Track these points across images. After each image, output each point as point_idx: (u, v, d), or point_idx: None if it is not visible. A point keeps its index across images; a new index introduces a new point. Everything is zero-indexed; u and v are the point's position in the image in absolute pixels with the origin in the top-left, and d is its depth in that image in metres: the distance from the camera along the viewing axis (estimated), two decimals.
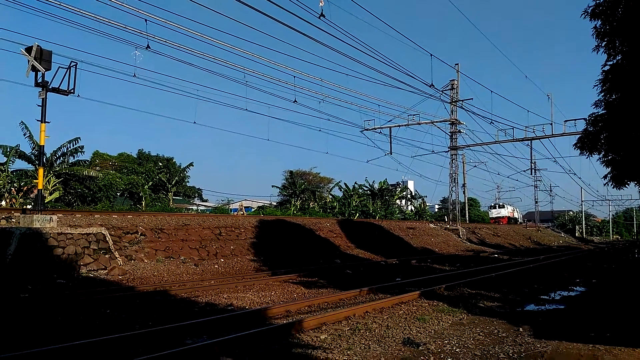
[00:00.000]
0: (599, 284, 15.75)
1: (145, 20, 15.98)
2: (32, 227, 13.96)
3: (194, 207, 52.21)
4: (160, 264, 16.32)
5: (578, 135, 18.34)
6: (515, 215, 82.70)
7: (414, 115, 38.22)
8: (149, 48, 16.92)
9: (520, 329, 8.35)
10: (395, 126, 38.96)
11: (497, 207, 73.58)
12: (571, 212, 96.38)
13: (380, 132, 39.05)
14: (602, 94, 14.96)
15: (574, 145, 17.37)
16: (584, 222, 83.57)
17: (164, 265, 16.28)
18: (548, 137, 37.92)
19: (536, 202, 75.59)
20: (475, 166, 59.18)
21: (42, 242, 13.71)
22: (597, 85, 15.01)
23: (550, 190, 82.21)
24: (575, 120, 35.19)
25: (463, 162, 63.97)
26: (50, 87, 15.23)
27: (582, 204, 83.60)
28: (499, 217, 70.87)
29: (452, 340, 7.64)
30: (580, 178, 64.61)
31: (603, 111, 15.43)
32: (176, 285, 13.46)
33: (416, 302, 11.16)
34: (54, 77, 15.38)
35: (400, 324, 8.68)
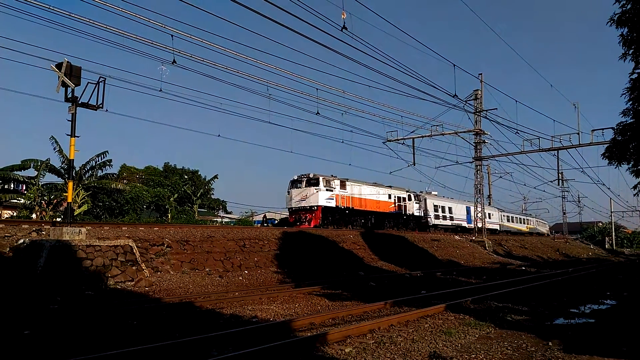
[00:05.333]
0: (630, 297, 15.33)
1: (172, 35, 16.37)
2: (62, 239, 14.25)
3: (219, 219, 52.65)
4: (186, 276, 16.48)
5: (606, 145, 17.97)
6: (536, 226, 72.90)
7: (437, 125, 38.00)
8: (175, 63, 17.28)
9: (550, 343, 8.17)
10: (418, 137, 38.82)
11: (302, 184, 31.71)
12: (600, 224, 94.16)
13: (403, 143, 38.93)
14: (631, 102, 14.68)
15: (602, 155, 17.06)
16: (613, 233, 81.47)
17: (189, 277, 16.43)
18: (575, 147, 37.31)
19: (564, 214, 74.19)
20: (500, 177, 58.55)
21: (71, 254, 13.99)
22: (625, 94, 14.76)
23: (579, 201, 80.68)
24: (602, 129, 34.65)
25: (488, 173, 63.18)
26: (79, 102, 15.58)
27: (611, 215, 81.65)
28: (302, 208, 31.54)
29: (479, 354, 7.52)
30: (609, 188, 62.86)
31: (632, 120, 15.13)
32: (201, 296, 13.57)
33: (442, 315, 11.02)
34: (83, 92, 15.73)
35: (426, 338, 8.58)
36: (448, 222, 47.25)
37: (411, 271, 23.72)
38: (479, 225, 43.20)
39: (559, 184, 52.96)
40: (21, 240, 14.61)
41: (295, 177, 32.45)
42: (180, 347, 7.41)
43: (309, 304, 12.88)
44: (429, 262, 28.66)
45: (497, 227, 57.24)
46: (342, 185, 32.96)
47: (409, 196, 40.99)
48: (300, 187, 31.87)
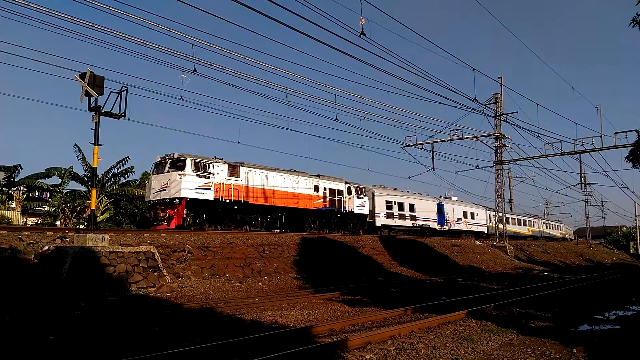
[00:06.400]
0: None
1: (192, 45, 16.58)
2: (85, 246, 14.49)
3: None
4: (207, 282, 16.61)
5: (630, 148, 17.70)
6: (543, 229, 64.18)
7: (456, 130, 37.67)
8: (196, 71, 17.49)
9: (574, 350, 8.04)
10: (437, 141, 38.54)
11: (165, 167, 23.69)
12: (625, 228, 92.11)
13: (422, 147, 38.71)
14: None
15: (626, 158, 16.84)
16: (638, 238, 79.70)
17: (210, 283, 16.55)
18: (598, 150, 36.64)
19: (587, 218, 72.80)
20: (522, 181, 57.65)
21: (94, 260, 14.21)
22: None
23: (602, 205, 79.08)
24: (626, 132, 33.93)
25: (509, 177, 62.33)
26: (102, 111, 15.85)
27: (636, 219, 79.83)
28: (161, 201, 23.43)
29: None
30: (633, 192, 61.48)
31: None
32: (222, 302, 13.66)
33: (463, 321, 10.92)
34: (106, 102, 15.98)
35: (447, 344, 8.51)
36: (407, 223, 38.66)
37: (431, 277, 23.55)
38: (500, 230, 42.64)
39: (581, 188, 52.22)
40: (46, 247, 14.89)
41: (159, 159, 24.34)
42: (202, 352, 7.48)
43: (329, 310, 12.88)
44: (449, 268, 28.41)
45: (484, 229, 49.37)
46: (232, 172, 25.04)
47: (349, 189, 32.77)
48: (162, 173, 23.67)
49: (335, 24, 13.63)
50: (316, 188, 30.12)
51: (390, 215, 36.93)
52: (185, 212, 22.78)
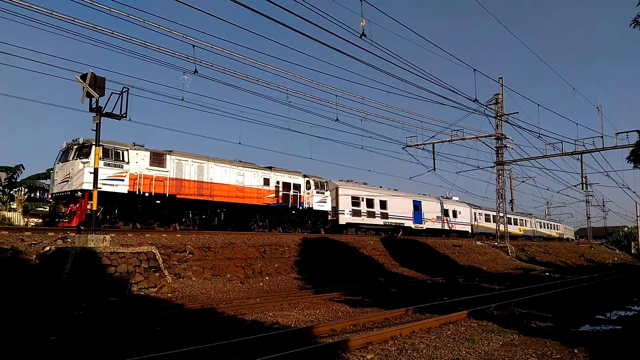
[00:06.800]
0: None
1: (193, 46, 16.61)
2: (87, 246, 14.51)
3: None
4: (208, 282, 16.62)
5: (631, 148, 17.70)
6: (536, 228, 61.71)
7: (457, 130, 37.68)
8: (197, 72, 17.51)
9: (576, 351, 8.03)
10: (438, 142, 38.58)
11: (70, 155, 20.56)
12: (626, 228, 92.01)
13: (423, 148, 38.74)
14: None
15: (627, 158, 16.84)
16: (639, 238, 79.65)
17: (211, 283, 16.56)
18: (599, 151, 36.63)
19: (588, 218, 72.85)
20: (523, 181, 57.41)
21: (95, 261, 14.23)
22: None
23: (603, 206, 79.14)
24: (627, 132, 33.93)
25: (510, 178, 62.20)
26: (103, 112, 15.88)
27: (637, 220, 79.75)
28: (63, 194, 20.51)
29: None
30: (634, 192, 61.44)
31: None
32: (223, 303, 13.67)
33: (464, 322, 10.91)
34: (107, 103, 16.02)
35: (448, 345, 8.51)
36: (377, 221, 35.81)
37: (433, 277, 23.54)
38: (502, 230, 42.61)
39: (582, 188, 52.06)
40: (47, 248, 14.92)
41: (64, 145, 21.02)
42: (203, 353, 7.48)
43: (330, 310, 12.87)
44: (450, 268, 28.40)
45: (468, 228, 47.07)
46: (156, 161, 21.88)
47: (307, 183, 29.70)
48: (67, 161, 20.47)
49: (336, 25, 13.66)
50: (267, 181, 27.13)
51: (356, 213, 34.14)
52: (89, 207, 18.95)
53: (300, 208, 29.03)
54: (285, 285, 18.32)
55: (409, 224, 39.05)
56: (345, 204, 33.16)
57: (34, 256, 14.46)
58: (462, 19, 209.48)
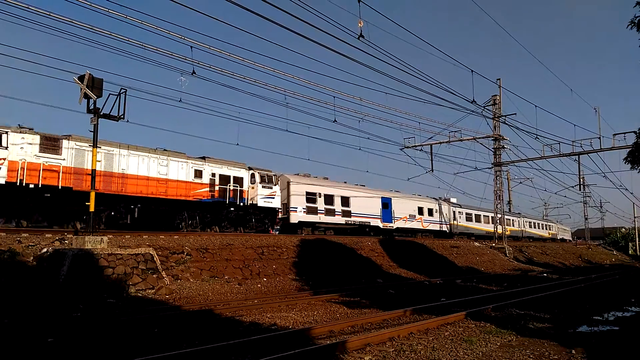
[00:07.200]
0: None
1: (191, 47, 16.58)
2: (84, 248, 14.48)
3: None
4: (206, 284, 16.60)
5: (628, 149, 17.74)
6: (524, 228, 57.40)
7: (455, 132, 37.75)
8: (194, 74, 17.49)
9: (573, 351, 8.05)
10: (436, 143, 38.65)
11: None
12: (624, 229, 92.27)
13: (421, 149, 38.81)
14: None
15: (624, 159, 16.88)
16: (637, 239, 79.79)
17: (209, 285, 16.54)
18: (596, 152, 36.75)
19: (586, 219, 72.91)
20: (520, 182, 57.36)
21: (93, 262, 14.20)
22: None
23: (601, 207, 79.24)
24: (624, 133, 34.05)
25: (508, 179, 62.18)
26: (101, 113, 15.85)
27: (634, 220, 79.99)
28: None
29: None
30: (632, 193, 61.55)
31: None
32: (221, 304, 13.66)
33: (462, 323, 10.92)
34: (104, 104, 15.98)
35: (446, 346, 8.51)
36: (337, 220, 32.11)
37: (430, 278, 23.55)
38: (499, 231, 42.65)
39: (580, 189, 52.24)
40: (44, 249, 14.88)
41: None
42: (200, 354, 7.47)
43: (328, 312, 12.87)
44: (448, 270, 28.42)
45: (446, 228, 43.05)
46: (48, 147, 18.79)
47: (252, 176, 26.38)
48: None
49: (334, 26, 13.66)
50: (198, 174, 23.84)
51: (312, 210, 30.37)
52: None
53: (242, 204, 25.73)
54: (283, 287, 18.31)
55: (377, 222, 35.53)
56: (298, 201, 29.64)
57: (31, 258, 14.42)
58: (459, 21, 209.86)
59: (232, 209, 25.39)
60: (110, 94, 16.02)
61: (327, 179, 33.84)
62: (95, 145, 15.97)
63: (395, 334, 9.29)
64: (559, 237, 70.94)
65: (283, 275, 19.77)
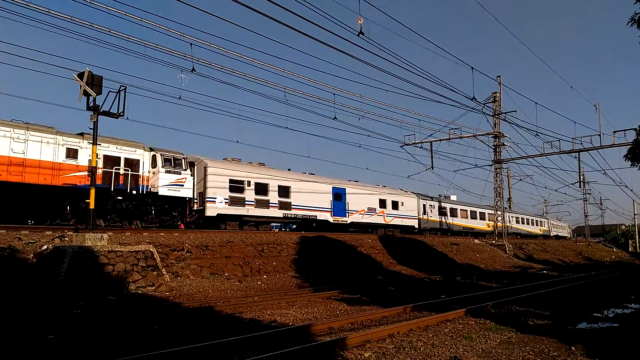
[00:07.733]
0: None
1: (191, 44, 16.57)
2: (84, 245, 14.48)
3: None
4: (206, 281, 16.61)
5: (629, 146, 17.73)
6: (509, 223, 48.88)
7: (455, 129, 37.77)
8: (194, 71, 17.47)
9: (573, 348, 8.05)
10: (436, 140, 38.66)
11: None
12: (623, 226, 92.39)
13: (421, 146, 38.83)
14: None
15: (624, 156, 16.88)
16: (637, 236, 79.87)
17: (209, 282, 16.56)
18: (596, 149, 36.81)
19: (586, 216, 72.81)
20: (520, 180, 57.28)
21: (93, 259, 14.21)
22: None
23: (601, 204, 79.19)
24: (625, 130, 34.09)
25: (508, 176, 62.00)
26: (101, 110, 15.85)
27: (634, 217, 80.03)
28: None
29: (500, 359, 7.45)
30: (632, 190, 61.55)
31: None
32: (221, 301, 13.67)
33: (462, 319, 10.93)
34: (104, 101, 15.97)
35: (446, 343, 8.52)
36: (272, 213, 27.06)
37: (430, 275, 23.57)
38: (499, 227, 42.64)
39: (580, 186, 52.24)
40: (44, 247, 14.88)
41: None
42: (200, 351, 7.48)
43: (328, 309, 12.88)
44: (448, 267, 28.45)
45: (415, 222, 38.75)
46: None
47: (153, 158, 22.06)
48: None
49: (334, 23, 13.65)
50: (73, 153, 19.19)
51: (237, 201, 25.21)
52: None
53: (135, 193, 21.02)
54: (283, 284, 18.32)
55: (325, 216, 30.49)
56: (217, 190, 24.31)
57: (32, 255, 14.43)
58: (460, 18, 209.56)
59: (119, 197, 20.56)
60: (109, 91, 16.03)
61: (263, 164, 28.76)
62: (95, 142, 15.96)
63: (395, 330, 9.30)
64: (552, 233, 69.69)
65: (283, 272, 19.78)
